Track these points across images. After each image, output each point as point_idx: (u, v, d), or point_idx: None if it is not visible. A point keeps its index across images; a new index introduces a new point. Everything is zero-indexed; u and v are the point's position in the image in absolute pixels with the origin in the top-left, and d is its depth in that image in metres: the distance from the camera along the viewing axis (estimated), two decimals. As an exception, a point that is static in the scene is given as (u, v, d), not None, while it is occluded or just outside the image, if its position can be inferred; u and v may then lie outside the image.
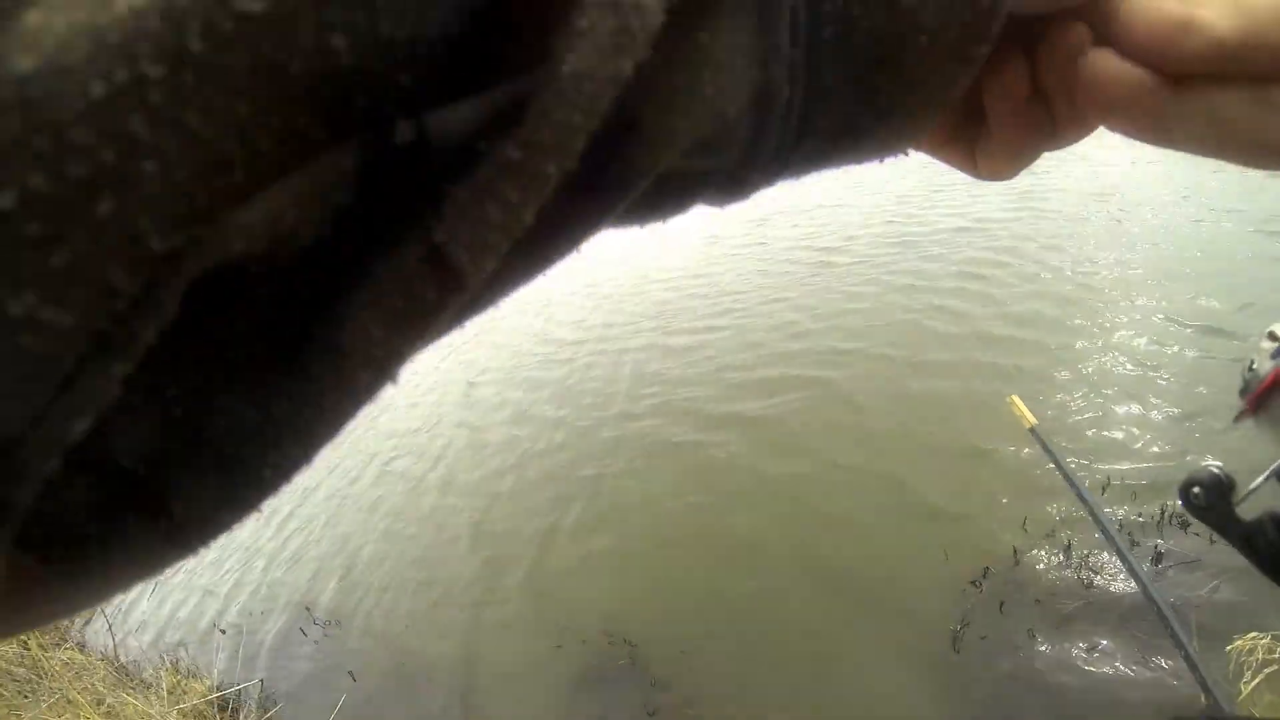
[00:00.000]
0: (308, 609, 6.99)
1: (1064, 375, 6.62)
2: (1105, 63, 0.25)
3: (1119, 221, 10.02)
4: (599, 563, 6.01)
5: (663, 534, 6.09)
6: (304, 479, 7.73)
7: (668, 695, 4.52)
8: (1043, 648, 4.08)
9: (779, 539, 5.63)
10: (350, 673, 5.82)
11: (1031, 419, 2.00)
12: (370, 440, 10.65)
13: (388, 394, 0.24)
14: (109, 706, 4.88)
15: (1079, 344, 7.24)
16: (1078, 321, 7.63)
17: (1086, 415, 6.00)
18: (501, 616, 5.90)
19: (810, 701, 4.22)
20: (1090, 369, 6.71)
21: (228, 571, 8.88)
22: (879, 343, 7.96)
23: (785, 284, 10.23)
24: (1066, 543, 4.72)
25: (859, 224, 12.05)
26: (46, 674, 5.64)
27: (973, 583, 4.52)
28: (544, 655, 5.29)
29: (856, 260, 10.54)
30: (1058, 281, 8.54)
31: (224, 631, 7.32)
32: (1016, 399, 2.06)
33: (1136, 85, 0.25)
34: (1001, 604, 4.36)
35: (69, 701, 4.85)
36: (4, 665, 5.66)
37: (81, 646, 7.59)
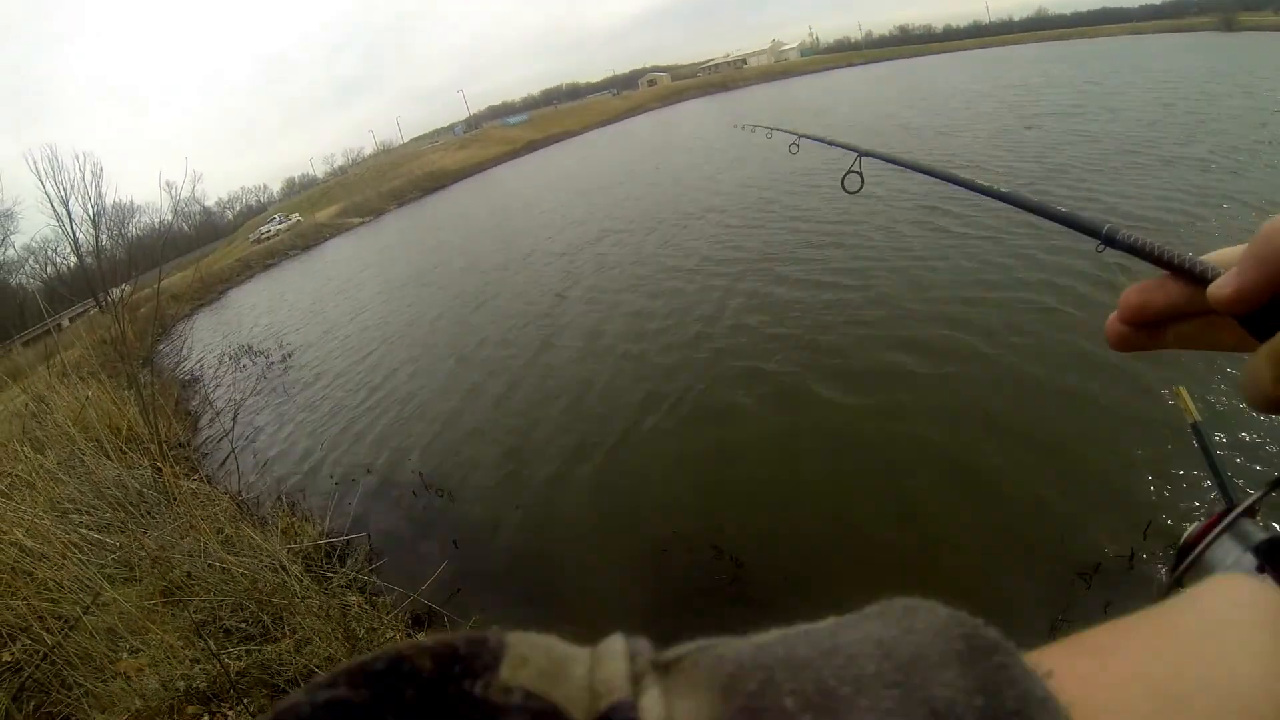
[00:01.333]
0: (421, 475, 7.08)
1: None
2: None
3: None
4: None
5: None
6: (439, 349, 7.70)
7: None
8: None
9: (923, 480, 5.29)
10: (454, 541, 5.82)
11: (1196, 413, 1.59)
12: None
13: None
14: (227, 536, 5.01)
15: None
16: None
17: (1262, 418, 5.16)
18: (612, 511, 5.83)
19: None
20: None
21: (350, 428, 9.24)
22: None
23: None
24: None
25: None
26: (175, 499, 5.88)
27: (1082, 575, 4.04)
28: (647, 559, 5.12)
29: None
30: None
31: (338, 484, 7.57)
32: (1183, 390, 1.67)
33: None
34: (1107, 606, 3.85)
35: (191, 527, 5.01)
36: (138, 487, 5.93)
37: (209, 479, 8.02)
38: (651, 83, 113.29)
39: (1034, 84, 29.60)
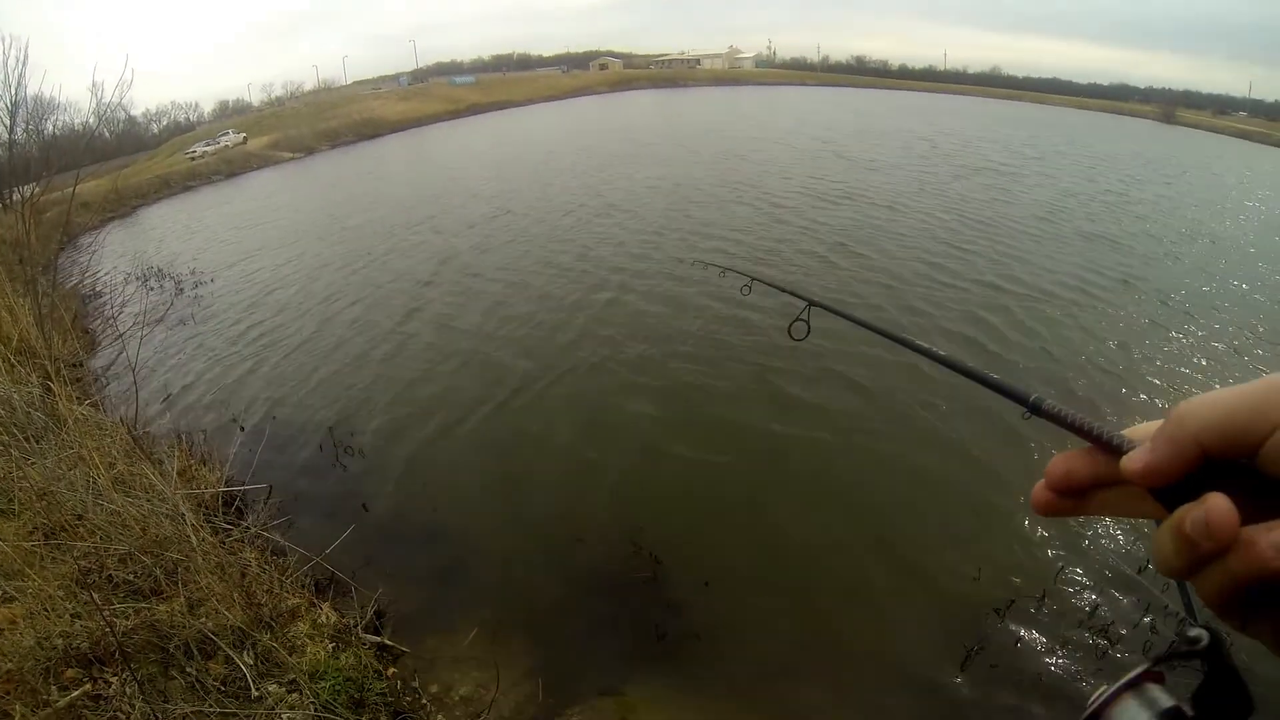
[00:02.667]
0: (332, 430, 6.77)
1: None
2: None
3: None
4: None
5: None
6: (381, 310, 7.42)
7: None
8: (1044, 699, 3.72)
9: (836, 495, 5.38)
10: (364, 505, 5.59)
11: None
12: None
13: None
14: (119, 473, 4.63)
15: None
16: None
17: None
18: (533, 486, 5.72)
19: (810, 660, 4.03)
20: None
21: (258, 369, 8.77)
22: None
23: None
24: (1095, 598, 4.35)
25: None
26: (65, 424, 5.43)
27: (997, 610, 4.19)
28: (567, 546, 5.03)
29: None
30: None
31: (243, 428, 7.17)
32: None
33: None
34: (1019, 640, 4.04)
35: (81, 459, 4.61)
36: (24, 406, 5.47)
37: (103, 406, 7.45)
38: (603, 66, 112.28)
39: (971, 137, 30.79)
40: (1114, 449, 0.47)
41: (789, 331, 1.77)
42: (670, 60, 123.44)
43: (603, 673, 3.97)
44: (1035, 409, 0.63)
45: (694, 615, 4.33)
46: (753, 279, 2.40)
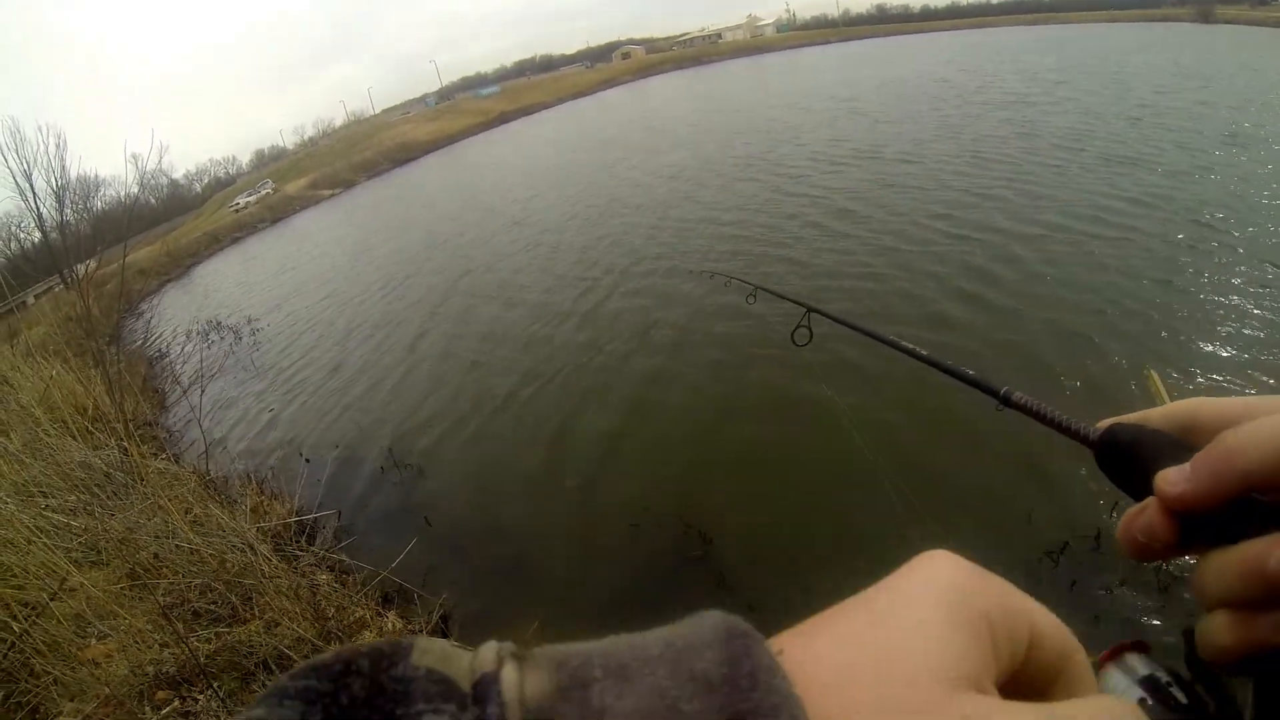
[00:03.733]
0: (391, 450, 7.10)
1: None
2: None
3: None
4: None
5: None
6: (411, 329, 7.71)
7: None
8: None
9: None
10: (426, 518, 5.87)
11: (1166, 397, 1.69)
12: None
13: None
14: (195, 517, 5.01)
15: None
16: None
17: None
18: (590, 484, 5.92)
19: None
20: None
21: (317, 404, 9.22)
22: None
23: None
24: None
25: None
26: (142, 479, 5.85)
27: (1049, 554, 4.15)
28: (622, 534, 5.20)
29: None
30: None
31: (309, 461, 7.57)
32: (1154, 374, 1.77)
33: None
34: (1073, 583, 3.96)
35: (159, 507, 5.00)
36: (104, 468, 5.90)
37: (176, 458, 7.98)
38: (626, 56, 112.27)
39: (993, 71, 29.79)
40: (1083, 439, 0.50)
41: (792, 338, 1.87)
42: (691, 39, 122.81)
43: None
44: (1006, 401, 0.70)
45: (743, 589, 4.45)
46: (756, 287, 2.49)
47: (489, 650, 0.25)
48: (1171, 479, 0.39)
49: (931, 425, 5.40)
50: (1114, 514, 4.25)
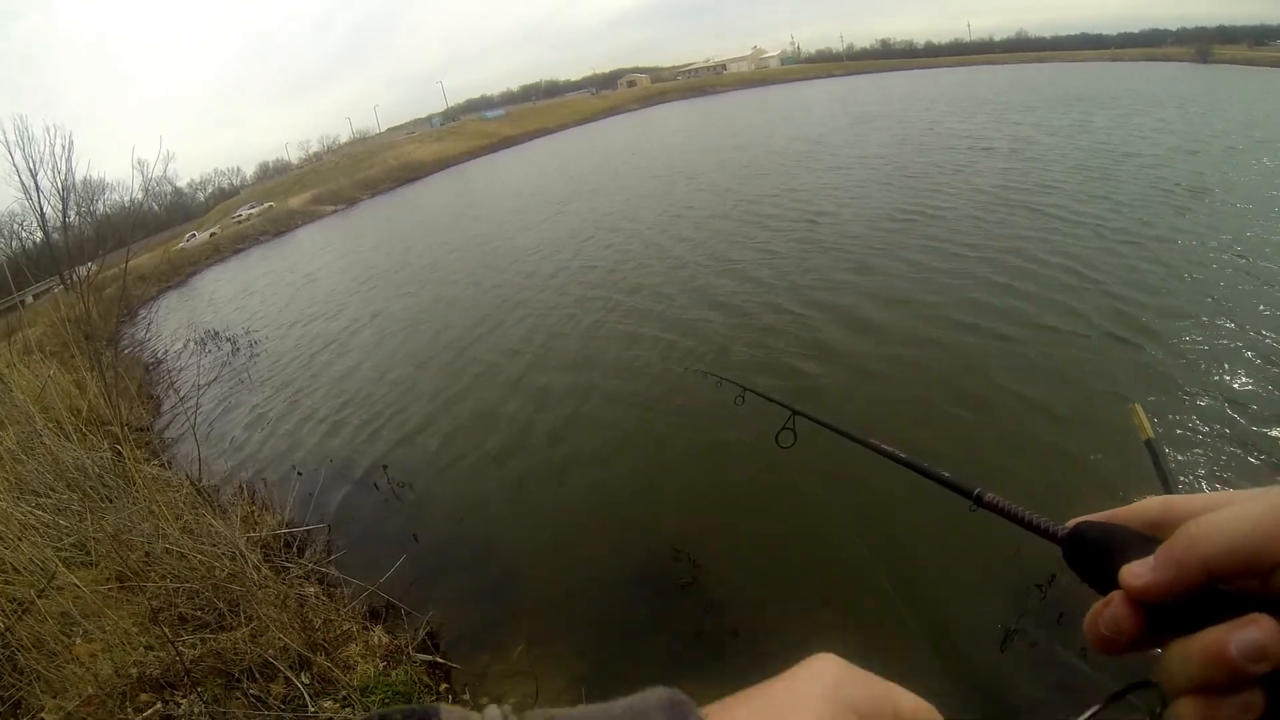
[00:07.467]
0: (384, 467, 7.09)
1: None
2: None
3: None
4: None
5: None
6: (416, 349, 7.71)
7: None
8: (1088, 672, 3.59)
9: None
10: (414, 535, 5.86)
11: (1150, 430, 1.80)
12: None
13: None
14: (186, 523, 5.00)
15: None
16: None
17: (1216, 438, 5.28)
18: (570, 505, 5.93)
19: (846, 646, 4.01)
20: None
21: (312, 417, 9.23)
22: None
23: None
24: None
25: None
26: (135, 483, 5.84)
27: (1039, 586, 4.13)
28: (604, 554, 5.20)
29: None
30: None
31: (300, 474, 7.56)
32: (1138, 408, 1.78)
33: None
34: (1060, 616, 3.96)
35: (151, 512, 4.98)
36: (97, 470, 5.88)
37: (169, 464, 7.96)
38: (631, 84, 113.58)
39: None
40: (1051, 536, 0.52)
41: (776, 440, 1.89)
42: (696, 69, 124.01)
43: (645, 671, 4.12)
44: (979, 501, 0.74)
45: (731, 614, 4.44)
46: (745, 389, 2.54)
47: (493, 710, 0.34)
48: (1136, 571, 0.40)
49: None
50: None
